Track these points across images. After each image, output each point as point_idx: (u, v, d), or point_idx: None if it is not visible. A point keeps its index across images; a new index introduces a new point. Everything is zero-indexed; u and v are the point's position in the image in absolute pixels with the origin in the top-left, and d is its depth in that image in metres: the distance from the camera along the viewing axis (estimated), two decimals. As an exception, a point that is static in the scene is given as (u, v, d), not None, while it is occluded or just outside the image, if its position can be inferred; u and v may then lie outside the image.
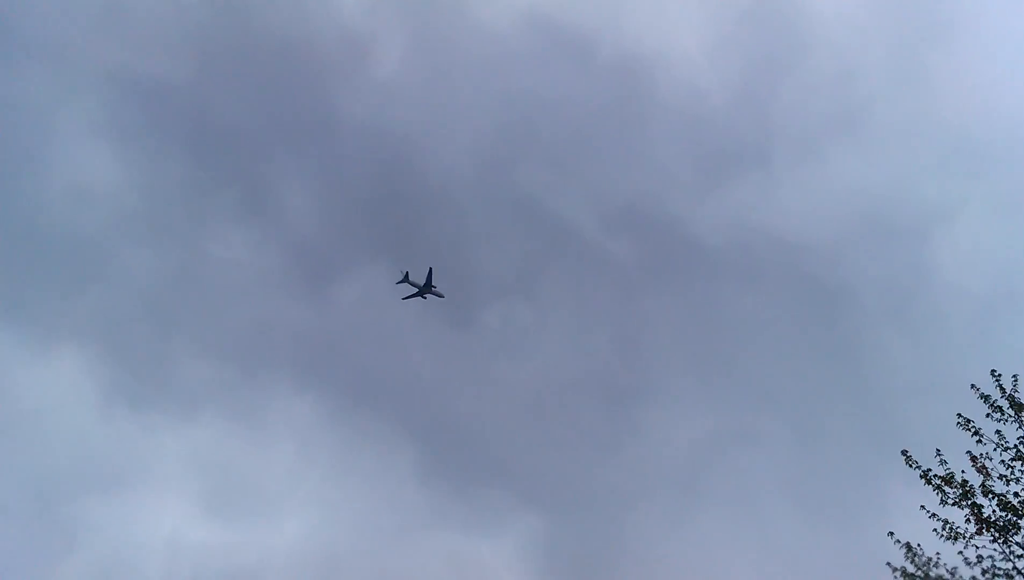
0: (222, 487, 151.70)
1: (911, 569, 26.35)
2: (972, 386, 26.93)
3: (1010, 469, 25.44)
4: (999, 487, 25.47)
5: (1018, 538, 25.03)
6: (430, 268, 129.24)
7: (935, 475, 26.46)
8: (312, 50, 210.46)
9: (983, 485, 25.69)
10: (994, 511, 25.35)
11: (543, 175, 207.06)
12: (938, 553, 26.12)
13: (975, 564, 25.37)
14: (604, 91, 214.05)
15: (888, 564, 26.88)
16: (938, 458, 26.63)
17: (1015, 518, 25.03)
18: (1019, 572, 24.89)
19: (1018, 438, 25.62)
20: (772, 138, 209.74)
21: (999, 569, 25.07)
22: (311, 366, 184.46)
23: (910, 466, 27.00)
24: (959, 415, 26.67)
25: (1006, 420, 25.95)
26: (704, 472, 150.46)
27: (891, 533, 26.80)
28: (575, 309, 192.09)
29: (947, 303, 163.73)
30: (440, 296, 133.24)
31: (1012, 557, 25.03)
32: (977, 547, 25.39)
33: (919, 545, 26.37)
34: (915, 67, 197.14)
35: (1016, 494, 25.20)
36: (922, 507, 26.50)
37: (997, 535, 25.21)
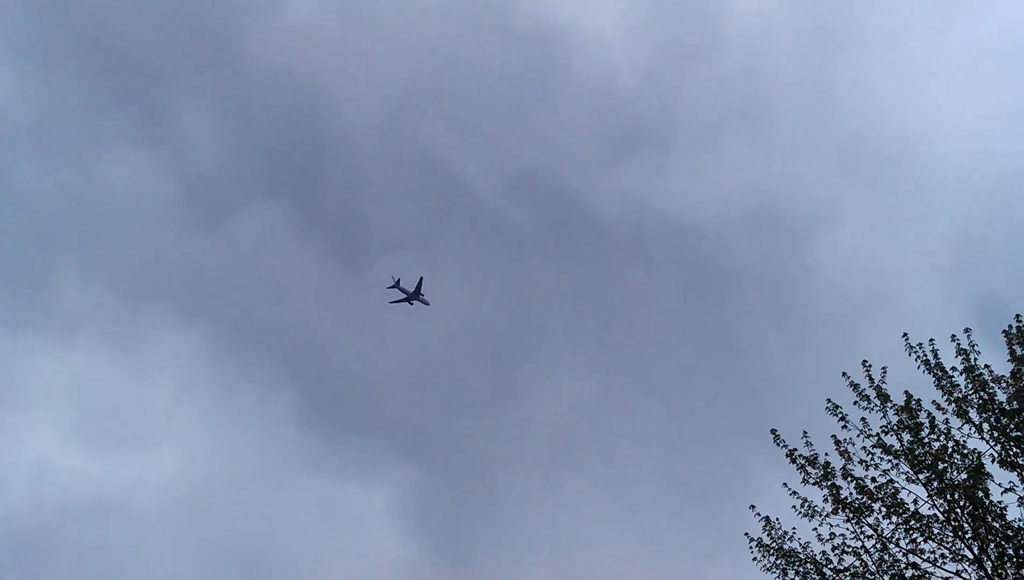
0: (96, 415, 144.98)
1: (767, 540, 27.65)
2: (843, 374, 28.33)
3: (870, 455, 26.97)
4: (858, 471, 27.07)
5: (870, 519, 26.67)
6: (420, 277, 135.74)
7: (800, 455, 27.92)
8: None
9: (843, 468, 27.26)
10: (851, 493, 26.95)
11: (447, 135, 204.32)
12: (794, 528, 27.53)
13: (827, 540, 26.87)
14: (516, 58, 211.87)
15: (746, 535, 28.11)
16: (804, 439, 28.09)
17: (869, 501, 26.65)
18: (867, 551, 26.54)
19: (881, 427, 27.15)
20: (674, 123, 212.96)
21: (849, 546, 26.63)
22: (198, 301, 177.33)
23: (777, 445, 28.45)
24: (828, 401, 28.03)
25: (872, 409, 27.43)
26: (577, 439, 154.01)
27: (752, 506, 28.10)
28: (467, 269, 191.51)
29: (824, 300, 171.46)
30: (426, 304, 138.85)
31: (862, 536, 26.66)
32: (831, 525, 26.95)
33: (777, 519, 27.72)
34: (818, 71, 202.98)
35: (873, 479, 26.82)
36: (784, 485, 27.91)
37: (851, 515, 26.79)
